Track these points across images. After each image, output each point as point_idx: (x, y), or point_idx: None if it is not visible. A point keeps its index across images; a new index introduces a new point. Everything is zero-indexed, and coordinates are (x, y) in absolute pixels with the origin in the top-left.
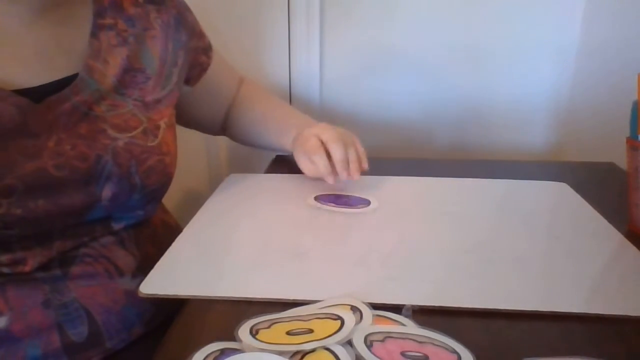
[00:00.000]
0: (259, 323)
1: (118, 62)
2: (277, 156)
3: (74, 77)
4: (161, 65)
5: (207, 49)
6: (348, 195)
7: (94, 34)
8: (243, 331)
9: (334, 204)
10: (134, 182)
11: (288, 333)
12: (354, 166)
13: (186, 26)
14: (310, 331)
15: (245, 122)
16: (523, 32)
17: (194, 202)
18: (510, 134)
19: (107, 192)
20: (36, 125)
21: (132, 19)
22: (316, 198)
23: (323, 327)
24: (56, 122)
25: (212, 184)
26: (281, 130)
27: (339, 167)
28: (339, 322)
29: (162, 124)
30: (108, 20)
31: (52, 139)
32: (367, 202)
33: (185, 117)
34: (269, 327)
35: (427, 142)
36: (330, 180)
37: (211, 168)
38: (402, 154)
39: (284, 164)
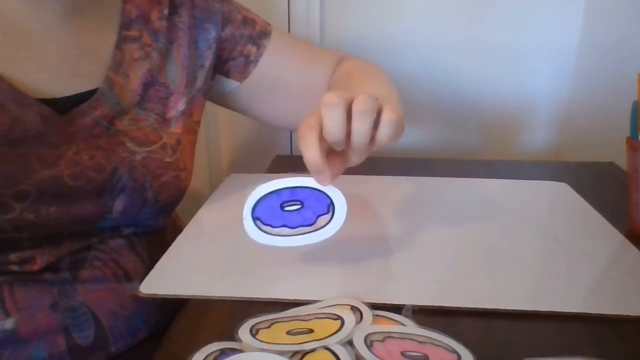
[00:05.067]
0: (259, 323)
1: (138, 77)
2: (277, 156)
3: (96, 90)
4: (185, 75)
5: (256, 37)
6: (302, 200)
7: (118, 46)
8: (243, 331)
9: (286, 227)
10: (147, 196)
11: (288, 333)
12: (355, 139)
13: (214, 19)
14: (310, 331)
15: None
16: (523, 32)
17: (194, 202)
18: (510, 134)
19: (118, 204)
20: (57, 136)
21: (157, 33)
22: (257, 219)
23: (323, 327)
24: (77, 135)
25: (212, 184)
26: None
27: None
28: (339, 322)
29: (184, 138)
30: (133, 32)
31: (72, 149)
32: (327, 207)
33: (265, 118)
34: (269, 327)
35: (427, 142)
36: (320, 181)
37: (211, 168)
38: (402, 153)
39: (284, 164)
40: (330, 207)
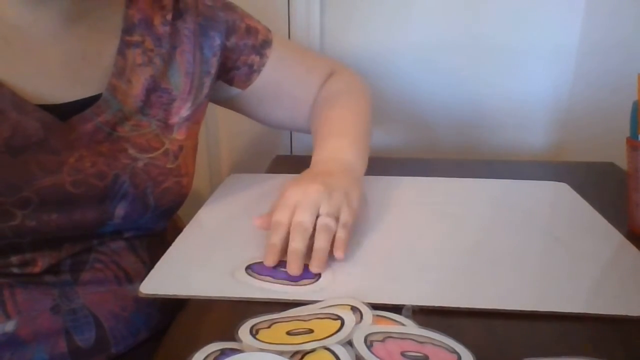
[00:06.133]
0: (259, 323)
1: (141, 82)
2: (277, 156)
3: (98, 96)
4: (188, 81)
5: (259, 47)
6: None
7: (120, 51)
8: (243, 331)
9: (271, 277)
10: (148, 202)
11: (288, 333)
12: (315, 256)
13: (218, 27)
14: (310, 331)
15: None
16: (523, 32)
17: (194, 202)
18: (510, 134)
19: (120, 210)
20: (58, 142)
21: (160, 38)
22: (249, 267)
23: (323, 327)
24: (78, 141)
25: (212, 184)
26: (316, 147)
27: (289, 258)
28: (339, 322)
29: (186, 144)
30: (136, 38)
31: (74, 155)
32: (314, 275)
33: (262, 121)
34: (269, 327)
35: (427, 142)
36: (267, 262)
37: (211, 169)
38: (402, 153)
39: (284, 164)
40: (317, 275)
